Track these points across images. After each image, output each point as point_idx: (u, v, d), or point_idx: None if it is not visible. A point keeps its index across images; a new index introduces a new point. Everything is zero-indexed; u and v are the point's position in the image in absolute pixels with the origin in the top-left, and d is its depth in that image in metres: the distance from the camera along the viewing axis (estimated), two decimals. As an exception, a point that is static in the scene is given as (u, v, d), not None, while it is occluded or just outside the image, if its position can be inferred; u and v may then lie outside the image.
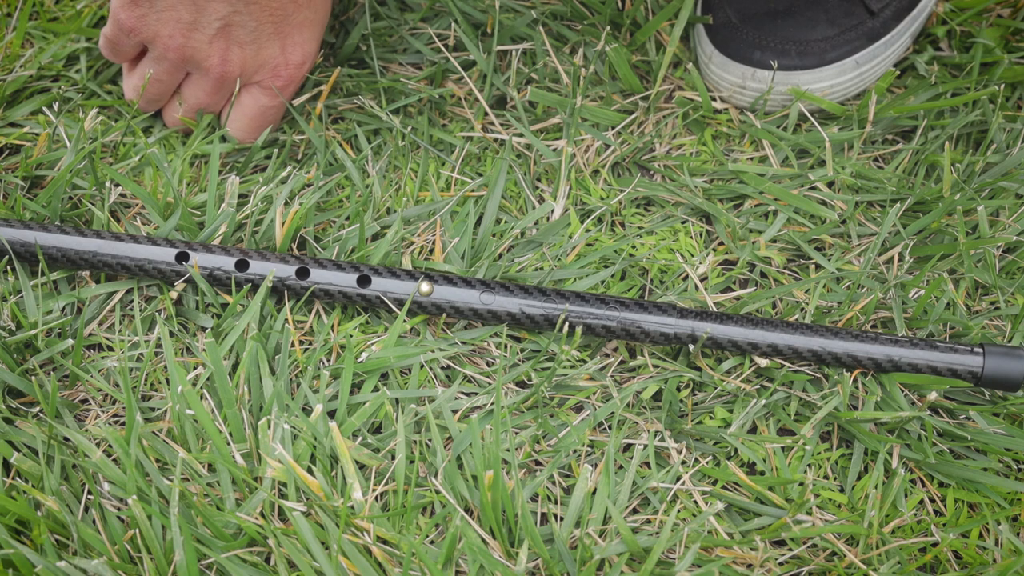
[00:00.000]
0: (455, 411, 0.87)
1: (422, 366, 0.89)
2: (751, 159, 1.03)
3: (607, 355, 0.91)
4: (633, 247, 0.98)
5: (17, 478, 0.81)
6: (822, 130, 1.02)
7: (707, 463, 0.86)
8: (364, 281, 0.89)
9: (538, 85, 1.06)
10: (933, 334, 0.92)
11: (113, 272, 0.91)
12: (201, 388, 0.86)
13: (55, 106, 1.02)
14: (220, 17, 0.90)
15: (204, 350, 0.89)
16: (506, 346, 0.90)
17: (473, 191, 0.99)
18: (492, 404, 0.87)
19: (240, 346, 0.87)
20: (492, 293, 0.88)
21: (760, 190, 1.00)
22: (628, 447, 0.88)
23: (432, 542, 0.82)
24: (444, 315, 0.89)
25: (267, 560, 0.80)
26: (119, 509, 0.80)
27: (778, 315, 0.94)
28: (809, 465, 0.87)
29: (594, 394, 0.89)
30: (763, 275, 0.97)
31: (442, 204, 0.97)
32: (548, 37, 1.09)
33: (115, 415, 0.87)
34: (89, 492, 0.81)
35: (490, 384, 0.89)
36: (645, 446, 0.86)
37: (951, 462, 0.86)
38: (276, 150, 1.02)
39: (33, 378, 0.85)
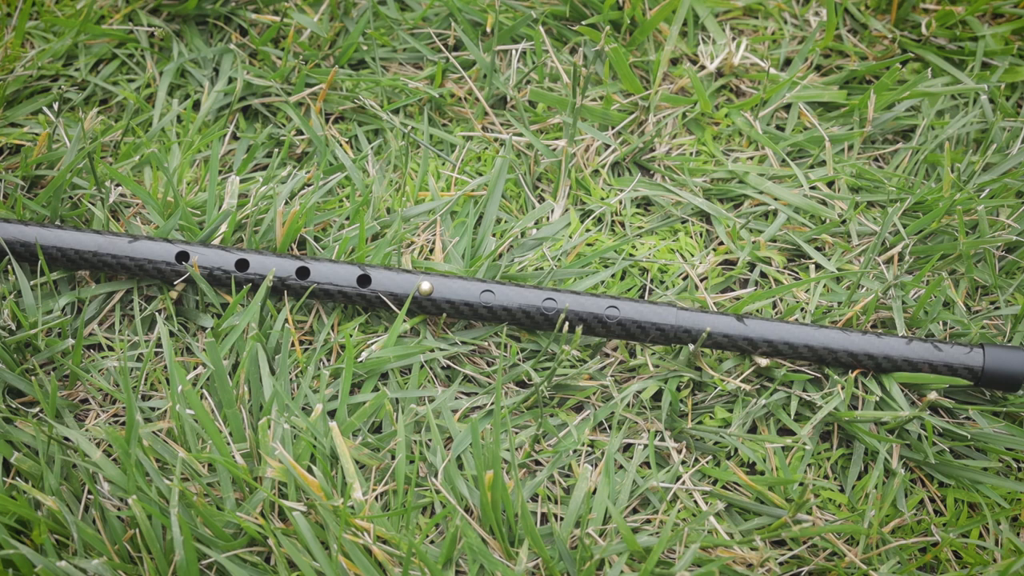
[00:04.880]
0: (455, 411, 0.87)
1: (422, 366, 0.89)
2: (751, 159, 1.03)
3: (607, 355, 0.91)
4: (633, 247, 0.97)
5: (17, 478, 0.81)
6: (822, 130, 1.02)
7: (707, 463, 0.86)
8: (364, 281, 0.89)
9: (538, 85, 1.06)
10: (933, 334, 0.92)
11: (113, 272, 0.91)
12: (201, 388, 0.86)
13: (55, 106, 1.02)
14: None
15: (204, 350, 0.89)
16: (506, 346, 0.90)
17: (473, 191, 0.99)
18: (492, 404, 0.87)
19: (240, 346, 0.87)
20: (492, 292, 0.88)
21: (760, 190, 1.00)
22: (628, 447, 0.88)
23: (432, 542, 0.82)
24: (444, 315, 0.89)
25: (267, 560, 0.80)
26: (119, 509, 0.80)
27: (778, 315, 0.94)
28: (809, 465, 0.87)
29: (594, 394, 0.89)
30: (763, 275, 0.97)
31: (442, 204, 0.97)
32: (548, 37, 1.09)
33: (115, 415, 0.87)
34: (89, 492, 0.81)
35: (490, 384, 0.89)
36: (645, 446, 0.86)
37: (951, 462, 0.86)
38: (276, 149, 1.02)
39: (33, 378, 0.85)
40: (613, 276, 0.95)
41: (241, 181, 0.98)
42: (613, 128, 1.04)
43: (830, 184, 1.01)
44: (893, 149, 1.04)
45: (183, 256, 0.89)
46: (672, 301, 0.91)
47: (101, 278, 0.93)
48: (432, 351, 0.88)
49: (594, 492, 0.82)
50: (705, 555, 0.80)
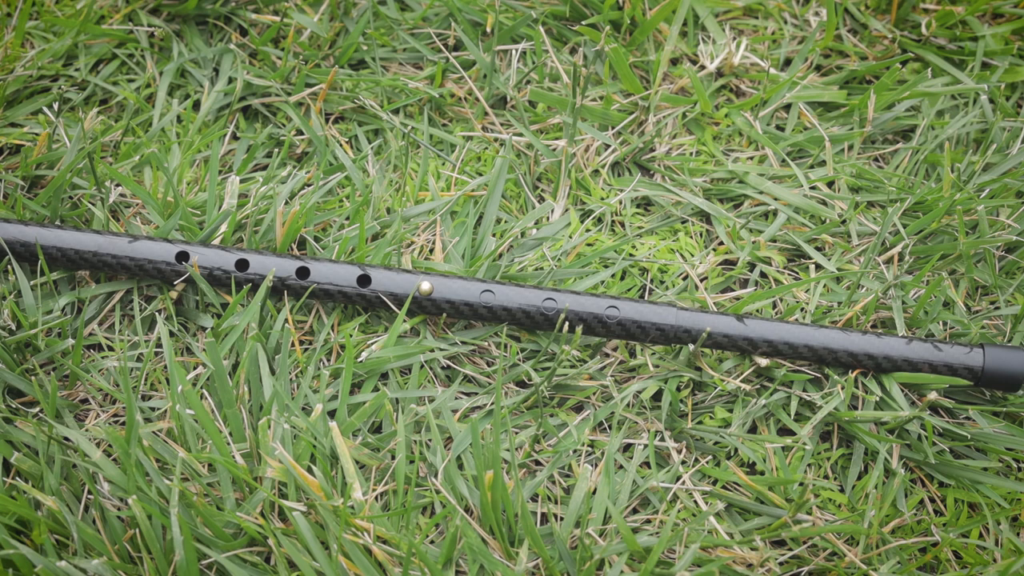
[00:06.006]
0: (455, 411, 0.87)
1: (422, 366, 0.89)
2: (751, 159, 1.03)
3: (607, 355, 0.91)
4: (633, 247, 0.97)
5: (17, 478, 0.81)
6: (822, 130, 1.02)
7: (707, 463, 0.86)
8: (364, 281, 0.89)
9: (538, 85, 1.06)
10: (933, 334, 0.92)
11: (113, 272, 0.91)
12: (201, 388, 0.86)
13: (55, 106, 1.02)
14: None
15: (204, 350, 0.89)
16: (506, 346, 0.90)
17: (473, 191, 0.99)
18: (492, 404, 0.87)
19: (240, 346, 0.87)
20: (492, 292, 0.88)
21: (760, 190, 1.00)
22: (628, 447, 0.88)
23: (432, 542, 0.82)
24: (444, 315, 0.89)
25: (267, 560, 0.80)
26: (119, 509, 0.80)
27: (778, 315, 0.94)
28: (809, 465, 0.87)
29: (594, 394, 0.89)
30: (763, 275, 0.97)
31: (442, 204, 0.97)
32: (548, 37, 1.09)
33: (115, 415, 0.87)
34: (89, 492, 0.81)
35: (490, 384, 0.89)
36: (645, 446, 0.86)
37: (951, 462, 0.86)
38: (276, 149, 1.02)
39: (33, 378, 0.85)
40: (613, 276, 0.95)
41: (241, 181, 0.98)
42: (613, 128, 1.04)
43: (830, 184, 1.01)
44: (893, 149, 1.04)
45: (183, 256, 0.89)
46: (672, 301, 0.91)
47: (101, 278, 0.93)
48: (432, 351, 0.88)
49: (594, 492, 0.82)
50: (705, 555, 0.80)
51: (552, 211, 0.99)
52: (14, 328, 0.87)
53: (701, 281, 0.95)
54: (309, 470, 0.80)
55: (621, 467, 0.85)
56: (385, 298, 0.88)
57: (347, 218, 0.97)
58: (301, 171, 0.99)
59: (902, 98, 1.04)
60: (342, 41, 1.09)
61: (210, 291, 0.89)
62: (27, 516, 0.78)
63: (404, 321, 0.89)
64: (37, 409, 0.85)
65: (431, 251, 0.96)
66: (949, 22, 1.09)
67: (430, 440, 0.84)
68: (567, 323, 0.87)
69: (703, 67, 1.08)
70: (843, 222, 0.98)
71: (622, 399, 0.87)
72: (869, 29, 1.12)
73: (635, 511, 0.84)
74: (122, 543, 0.78)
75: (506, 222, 0.98)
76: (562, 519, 0.82)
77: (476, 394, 0.89)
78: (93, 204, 0.95)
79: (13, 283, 0.91)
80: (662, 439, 0.87)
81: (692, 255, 0.97)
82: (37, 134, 1.01)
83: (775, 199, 0.99)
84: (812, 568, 0.81)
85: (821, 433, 0.89)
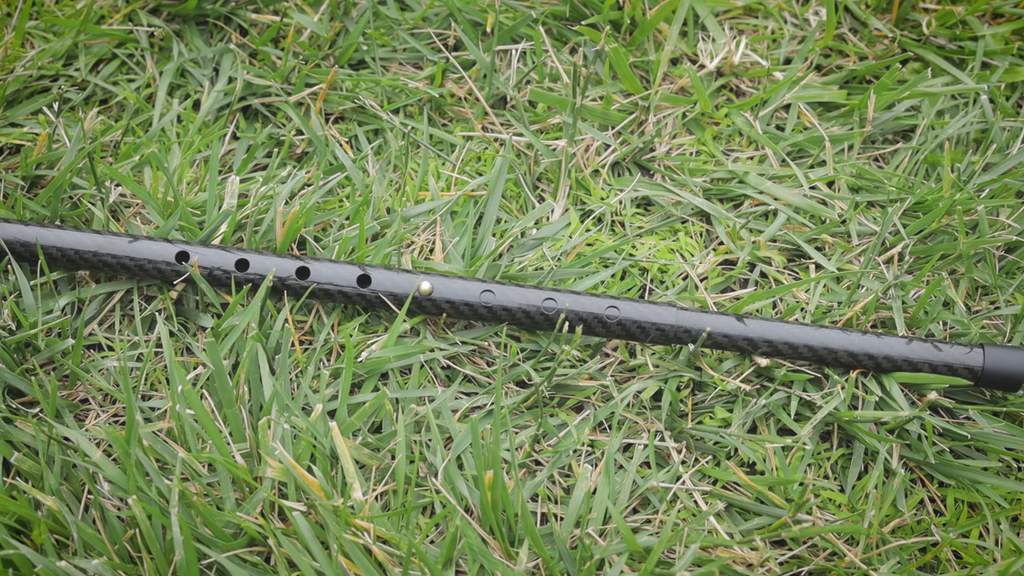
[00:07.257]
0: (455, 411, 0.87)
1: (422, 366, 0.89)
2: (751, 159, 1.03)
3: (607, 355, 0.91)
4: (633, 247, 0.97)
5: (17, 478, 0.81)
6: (822, 130, 1.02)
7: (707, 463, 0.86)
8: (364, 281, 0.89)
9: (538, 85, 1.06)
10: (933, 334, 0.92)
11: (113, 272, 0.91)
12: (201, 388, 0.86)
13: (55, 106, 1.02)
14: None
15: (204, 350, 0.89)
16: (506, 346, 0.90)
17: (473, 191, 0.99)
18: (492, 404, 0.87)
19: (240, 346, 0.87)
20: (492, 292, 0.88)
21: (760, 190, 1.00)
22: (628, 447, 0.88)
23: (432, 542, 0.82)
24: (444, 315, 0.89)
25: (267, 560, 0.80)
26: (119, 509, 0.80)
27: (778, 315, 0.94)
28: (809, 465, 0.87)
29: (594, 394, 0.89)
30: (763, 275, 0.97)
31: (442, 204, 0.97)
32: (548, 37, 1.09)
33: (115, 415, 0.87)
34: (89, 492, 0.81)
35: (490, 384, 0.89)
36: (645, 446, 0.86)
37: (951, 462, 0.86)
38: (276, 149, 1.02)
39: (33, 378, 0.85)
40: (613, 276, 0.95)
41: (241, 181, 0.98)
42: (613, 128, 1.04)
43: (830, 184, 1.01)
44: (893, 149, 1.04)
45: (183, 256, 0.89)
46: (672, 301, 0.91)
47: (101, 278, 0.93)
48: (432, 351, 0.88)
49: (594, 492, 0.82)
50: (705, 555, 0.80)
51: (552, 211, 0.99)
52: (14, 328, 0.87)
53: (701, 281, 0.95)
54: (309, 470, 0.80)
55: (621, 467, 0.85)
56: (385, 298, 0.88)
57: (347, 218, 0.97)
58: (301, 171, 0.99)
59: (902, 98, 1.04)
60: (342, 41, 1.09)
61: (210, 291, 0.89)
62: (27, 516, 0.78)
63: (404, 321, 0.89)
64: (37, 409, 0.85)
65: (431, 251, 0.96)
66: (949, 22, 1.09)
67: (430, 440, 0.84)
68: (567, 323, 0.87)
69: (703, 66, 1.08)
70: (843, 222, 0.98)
71: (622, 399, 0.87)
72: (869, 28, 1.12)
73: (635, 511, 0.84)
74: (122, 543, 0.78)
75: (506, 222, 0.98)
76: (562, 519, 0.82)
77: (476, 394, 0.89)
78: (93, 204, 0.95)
79: (13, 283, 0.91)
80: (662, 439, 0.87)
81: (692, 255, 0.97)
82: (37, 134, 1.01)
83: (775, 199, 0.99)
84: (812, 568, 0.81)
85: (821, 433, 0.89)
